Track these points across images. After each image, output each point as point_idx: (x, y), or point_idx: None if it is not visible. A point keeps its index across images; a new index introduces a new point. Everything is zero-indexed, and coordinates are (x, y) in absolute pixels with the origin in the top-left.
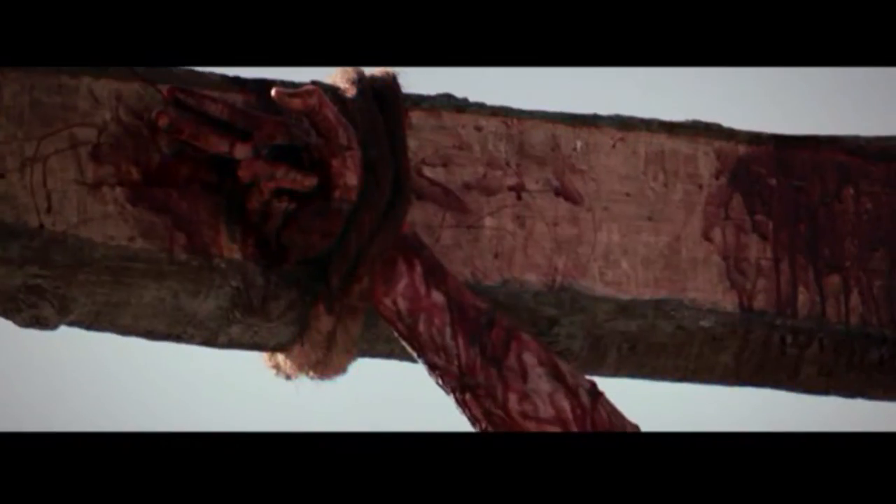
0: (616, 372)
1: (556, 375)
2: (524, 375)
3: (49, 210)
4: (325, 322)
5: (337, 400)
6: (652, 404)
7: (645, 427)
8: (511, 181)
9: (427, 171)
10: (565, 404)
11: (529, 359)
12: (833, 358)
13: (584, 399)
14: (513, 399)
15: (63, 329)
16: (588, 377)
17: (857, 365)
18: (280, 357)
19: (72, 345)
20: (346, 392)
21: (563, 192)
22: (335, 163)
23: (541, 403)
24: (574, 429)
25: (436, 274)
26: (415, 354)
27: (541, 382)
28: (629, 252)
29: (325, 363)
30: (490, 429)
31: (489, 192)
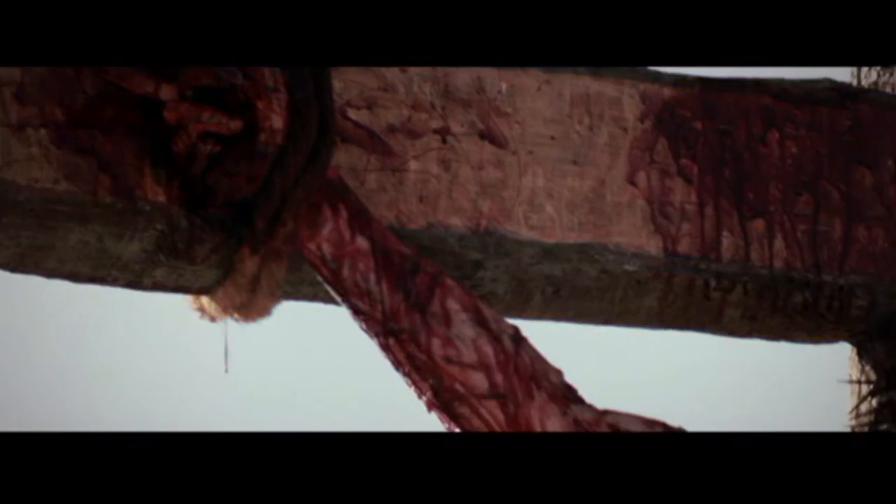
0: (540, 315)
1: (480, 321)
2: (448, 321)
3: None
4: (249, 265)
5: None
6: (577, 348)
7: (569, 371)
8: (436, 124)
9: (352, 114)
10: (488, 349)
11: (453, 305)
12: (757, 302)
13: (508, 344)
14: (436, 344)
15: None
16: (511, 322)
17: (781, 308)
18: (205, 300)
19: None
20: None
21: (489, 136)
22: (261, 105)
23: (464, 348)
24: (497, 374)
25: (361, 219)
26: (338, 299)
27: (464, 328)
28: (554, 196)
29: (250, 306)
30: (414, 373)
31: (414, 134)
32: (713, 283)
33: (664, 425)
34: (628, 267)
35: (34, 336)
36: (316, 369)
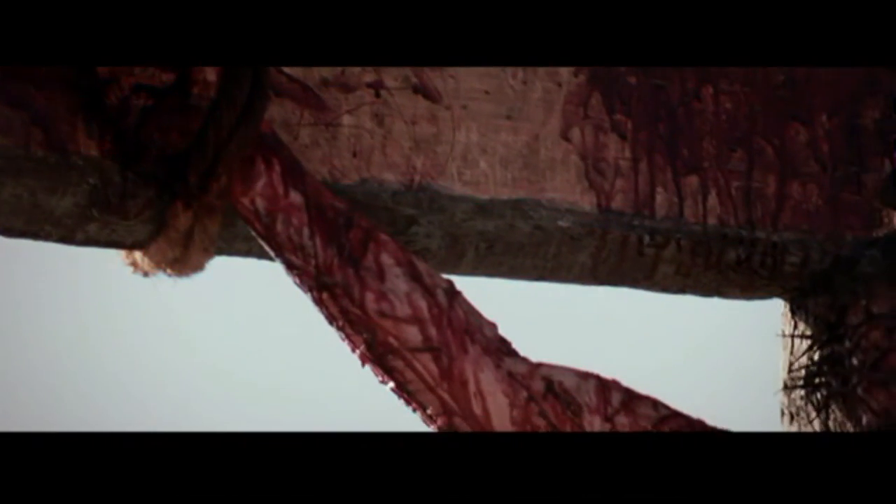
0: (473, 271)
1: (414, 275)
2: (382, 275)
3: None
4: (182, 220)
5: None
6: (510, 303)
7: (503, 326)
8: (369, 78)
9: (285, 67)
10: (422, 303)
11: (387, 259)
12: (690, 258)
13: (441, 298)
14: (370, 298)
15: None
16: (445, 276)
17: (714, 265)
18: (137, 255)
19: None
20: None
21: (422, 90)
22: None
23: (398, 302)
24: (431, 327)
25: (294, 173)
26: (272, 254)
27: (398, 282)
28: (488, 151)
29: (183, 261)
30: (347, 327)
31: (347, 88)
32: (647, 239)
33: (598, 378)
34: (562, 223)
35: (30, 333)
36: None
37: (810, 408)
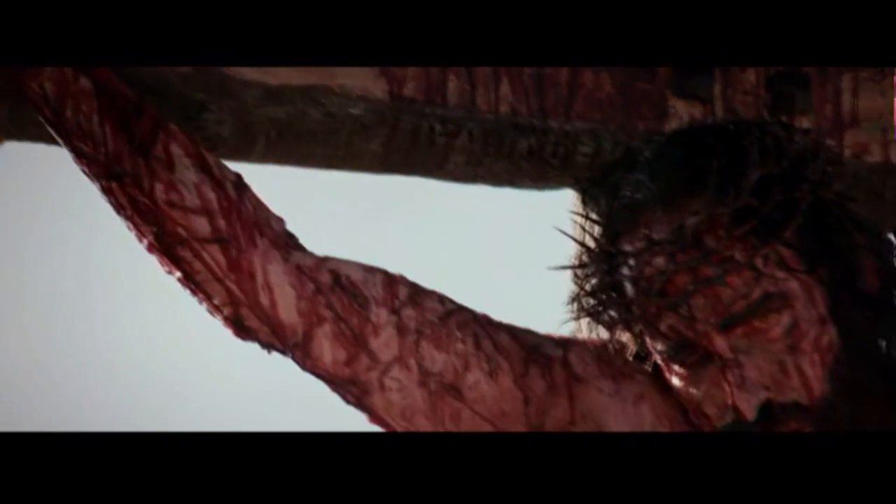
0: (264, 160)
1: (203, 167)
2: (171, 166)
3: None
4: None
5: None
6: (303, 194)
7: (290, 218)
8: None
9: None
10: (211, 195)
11: (176, 150)
12: (482, 147)
13: (231, 191)
14: (159, 188)
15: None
16: (234, 170)
17: (506, 154)
18: None
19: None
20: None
21: None
22: None
23: (187, 193)
24: (220, 219)
25: None
26: (61, 141)
27: (188, 173)
28: None
29: None
30: (136, 217)
31: None
32: (438, 127)
33: (384, 272)
34: (353, 110)
35: (30, 332)
36: None
37: (600, 330)
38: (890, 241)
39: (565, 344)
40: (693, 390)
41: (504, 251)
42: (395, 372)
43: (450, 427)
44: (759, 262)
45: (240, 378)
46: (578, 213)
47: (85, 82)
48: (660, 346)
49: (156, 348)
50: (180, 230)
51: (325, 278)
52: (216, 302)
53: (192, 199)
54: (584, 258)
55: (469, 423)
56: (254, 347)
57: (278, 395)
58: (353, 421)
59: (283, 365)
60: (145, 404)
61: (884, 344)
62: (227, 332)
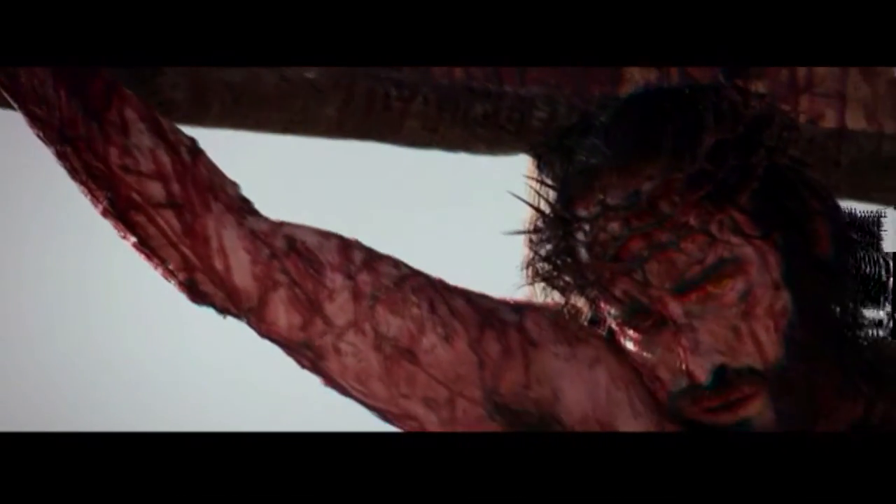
0: (219, 124)
1: (158, 131)
2: (125, 130)
3: None
4: None
5: None
6: (253, 162)
7: (246, 183)
8: None
9: None
10: (166, 160)
11: (130, 114)
12: (437, 112)
13: (185, 155)
14: (113, 153)
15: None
16: (189, 135)
17: (461, 120)
18: None
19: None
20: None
21: None
22: None
23: (142, 158)
24: (174, 184)
25: None
26: (15, 105)
27: (142, 138)
28: None
29: None
30: (90, 182)
31: None
32: (394, 92)
33: (339, 237)
34: (308, 75)
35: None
36: None
37: (555, 295)
38: (841, 207)
39: (521, 309)
40: (647, 354)
41: (459, 216)
42: (350, 336)
43: (404, 391)
44: (713, 228)
45: (240, 378)
46: (533, 178)
47: None
48: (614, 311)
49: (155, 348)
50: (134, 195)
51: (280, 243)
52: (171, 267)
53: (146, 164)
54: (539, 223)
55: (424, 386)
56: (254, 348)
57: (278, 396)
58: (354, 421)
59: (284, 365)
60: (144, 404)
61: (837, 309)
62: (226, 333)
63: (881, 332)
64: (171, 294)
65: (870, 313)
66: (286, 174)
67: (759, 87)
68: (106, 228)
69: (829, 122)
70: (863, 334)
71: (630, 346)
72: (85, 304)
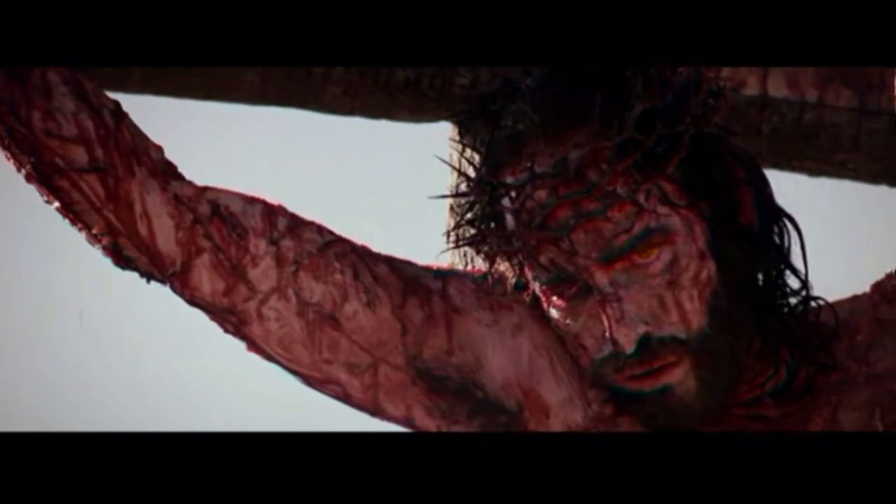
0: (142, 89)
1: (81, 95)
2: (48, 93)
3: None
4: None
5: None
6: (178, 125)
7: (170, 149)
8: None
9: None
10: (89, 124)
11: (53, 77)
12: (359, 79)
13: (108, 119)
14: (36, 117)
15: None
16: (112, 98)
17: (383, 86)
18: None
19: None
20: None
21: None
22: None
23: (64, 122)
24: (98, 148)
25: None
26: None
27: (65, 101)
28: None
29: None
30: (13, 146)
31: None
32: None
33: (264, 203)
34: None
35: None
36: None
37: (478, 261)
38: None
39: (444, 275)
40: (571, 322)
41: (383, 182)
42: (274, 302)
43: (327, 356)
44: (641, 197)
45: (240, 378)
46: (458, 142)
47: None
48: (540, 278)
49: (155, 348)
50: (58, 160)
51: (204, 208)
52: (95, 231)
53: (69, 128)
54: (464, 188)
55: (347, 352)
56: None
57: (278, 395)
58: (353, 421)
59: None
60: (145, 404)
61: (761, 278)
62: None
63: (803, 299)
64: (170, 294)
65: (792, 281)
66: (211, 139)
67: None
68: None
69: (752, 89)
70: (785, 302)
71: (554, 313)
72: (84, 305)
